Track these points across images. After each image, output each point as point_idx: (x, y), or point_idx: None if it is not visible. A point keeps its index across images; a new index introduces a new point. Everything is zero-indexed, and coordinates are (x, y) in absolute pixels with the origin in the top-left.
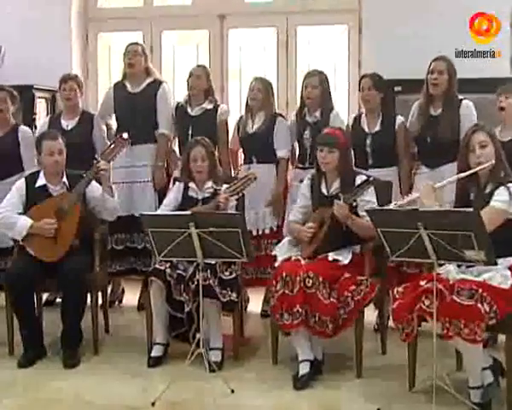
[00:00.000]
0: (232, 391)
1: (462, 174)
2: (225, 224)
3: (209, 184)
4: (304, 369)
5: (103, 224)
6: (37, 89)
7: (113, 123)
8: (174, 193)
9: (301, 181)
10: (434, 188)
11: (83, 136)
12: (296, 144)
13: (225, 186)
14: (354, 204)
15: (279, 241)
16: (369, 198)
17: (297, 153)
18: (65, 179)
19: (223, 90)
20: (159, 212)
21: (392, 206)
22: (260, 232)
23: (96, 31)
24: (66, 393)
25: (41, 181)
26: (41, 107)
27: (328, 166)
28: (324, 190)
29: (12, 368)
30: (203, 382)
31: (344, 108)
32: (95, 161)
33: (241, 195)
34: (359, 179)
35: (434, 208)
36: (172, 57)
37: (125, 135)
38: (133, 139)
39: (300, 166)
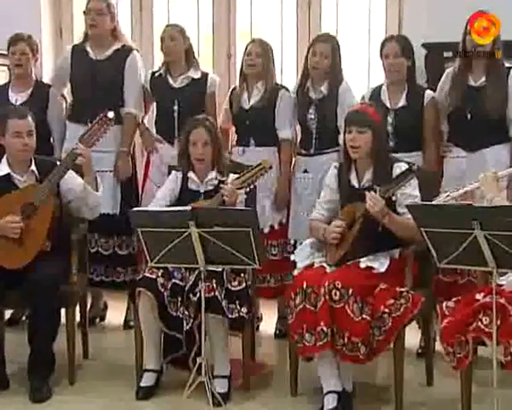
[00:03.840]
0: None
1: None
2: (233, 222)
3: (212, 174)
4: (330, 403)
5: (82, 223)
6: None
7: (69, 94)
8: (170, 184)
9: (306, 171)
10: (497, 176)
11: (36, 113)
12: (297, 126)
13: (233, 176)
14: (393, 199)
15: (285, 243)
16: (410, 191)
17: (298, 137)
18: (34, 168)
19: (229, 57)
20: (151, 207)
21: (442, 198)
22: None
23: None
24: None
25: (4, 169)
26: (1, 77)
27: (359, 151)
28: (354, 182)
29: None
30: None
31: (380, 80)
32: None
33: (252, 187)
34: (398, 168)
35: (496, 202)
36: (167, 17)
37: (111, 114)
38: (93, 118)
39: (304, 152)
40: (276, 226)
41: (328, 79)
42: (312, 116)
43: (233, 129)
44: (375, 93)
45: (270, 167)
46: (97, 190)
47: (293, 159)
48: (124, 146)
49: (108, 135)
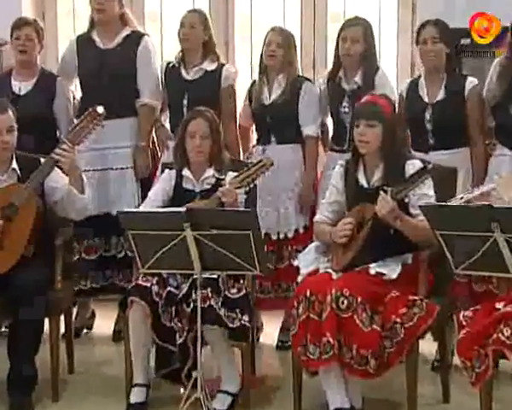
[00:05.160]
0: None
1: None
2: (232, 224)
3: (210, 172)
4: None
5: (68, 225)
6: None
7: (77, 90)
8: (163, 183)
9: None
10: None
11: (41, 104)
12: (329, 120)
13: (231, 175)
14: (406, 200)
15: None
16: (424, 191)
17: (330, 132)
18: (15, 166)
19: (227, 46)
20: (142, 208)
21: (457, 200)
22: (282, 236)
23: None
24: None
25: None
26: None
27: (368, 147)
28: (363, 181)
29: None
30: None
31: (391, 69)
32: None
33: (252, 186)
34: (411, 166)
35: None
36: (159, 1)
37: (100, 109)
38: (106, 113)
39: (337, 148)
40: (301, 230)
41: (363, 68)
42: (346, 109)
43: (253, 127)
44: (412, 86)
45: (272, 164)
46: (83, 192)
47: (319, 155)
48: (141, 140)
49: (124, 129)
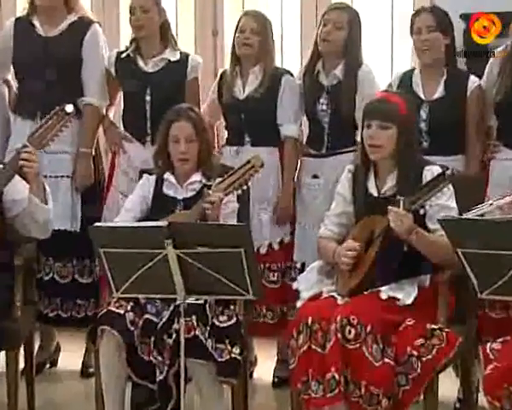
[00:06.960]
0: None
1: None
2: (221, 240)
3: (197, 176)
4: None
5: (29, 242)
6: None
7: (13, 80)
8: (141, 190)
9: (315, 176)
10: None
11: None
12: (305, 119)
13: (218, 181)
14: (421, 212)
15: (287, 267)
16: (443, 202)
17: (305, 132)
18: None
19: (215, 34)
20: (117, 222)
21: (485, 207)
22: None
23: None
24: None
25: None
26: None
27: (381, 152)
28: (373, 190)
29: None
30: None
31: (405, 63)
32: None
33: (240, 192)
34: (428, 172)
35: None
36: None
37: (69, 108)
38: (45, 112)
39: (314, 153)
40: (276, 246)
41: (344, 60)
42: (324, 107)
43: (222, 124)
44: (406, 80)
45: (262, 166)
46: (46, 203)
47: (299, 161)
48: (84, 146)
49: (65, 132)
